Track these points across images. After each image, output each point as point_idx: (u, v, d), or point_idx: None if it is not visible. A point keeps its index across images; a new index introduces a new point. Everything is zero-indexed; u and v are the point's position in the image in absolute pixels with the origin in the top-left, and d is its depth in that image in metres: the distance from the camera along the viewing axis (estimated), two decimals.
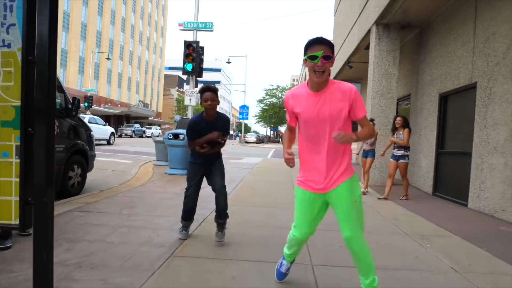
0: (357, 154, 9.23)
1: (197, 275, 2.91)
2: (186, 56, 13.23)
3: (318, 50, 2.26)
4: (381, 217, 5.55)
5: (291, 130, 2.64)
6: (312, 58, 2.27)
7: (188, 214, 3.86)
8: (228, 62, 38.94)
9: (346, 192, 2.37)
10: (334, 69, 16.52)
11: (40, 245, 2.00)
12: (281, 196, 6.82)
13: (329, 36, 34.98)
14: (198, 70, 13.96)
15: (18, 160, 2.00)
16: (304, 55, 2.35)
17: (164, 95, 77.87)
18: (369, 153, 8.04)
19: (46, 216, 2.00)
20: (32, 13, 1.98)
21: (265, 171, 11.60)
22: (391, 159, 7.33)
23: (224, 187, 3.76)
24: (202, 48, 14.74)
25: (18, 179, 2.01)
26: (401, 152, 7.11)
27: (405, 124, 7.18)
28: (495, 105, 6.01)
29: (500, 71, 5.91)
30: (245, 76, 44.34)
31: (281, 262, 2.85)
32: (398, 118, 7.26)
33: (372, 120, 8.21)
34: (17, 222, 2.03)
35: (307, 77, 2.45)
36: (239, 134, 77.80)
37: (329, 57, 2.27)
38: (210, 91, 3.56)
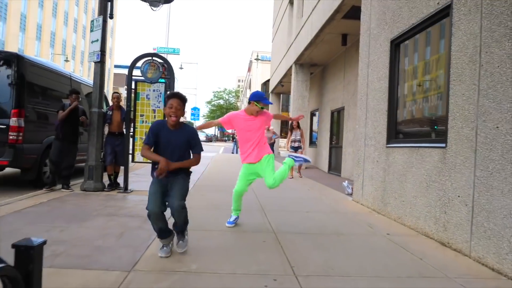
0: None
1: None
2: None
3: (264, 106, 4.29)
4: (299, 183, 10.52)
5: (218, 124, 4.83)
6: (262, 107, 4.29)
7: (160, 233, 3.31)
8: (181, 68, 42.94)
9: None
10: (271, 85, 21.65)
11: None
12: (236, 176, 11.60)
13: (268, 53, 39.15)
14: None
15: None
16: (255, 100, 4.21)
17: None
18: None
19: None
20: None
21: (220, 162, 16.31)
22: (291, 149, 10.58)
23: (182, 206, 3.22)
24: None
25: None
26: (298, 144, 11.42)
27: (298, 126, 10.68)
28: (349, 120, 11.22)
29: (351, 102, 11.12)
30: (196, 81, 48.50)
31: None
32: (294, 122, 10.49)
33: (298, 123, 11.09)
34: None
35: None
36: None
37: (263, 108, 4.31)
38: (176, 98, 3.29)
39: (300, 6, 14.62)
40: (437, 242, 4.10)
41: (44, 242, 1.53)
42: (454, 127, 3.94)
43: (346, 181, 7.83)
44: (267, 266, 3.11)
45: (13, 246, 1.46)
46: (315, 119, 16.38)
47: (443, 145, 4.12)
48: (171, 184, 3.28)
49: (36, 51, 48.30)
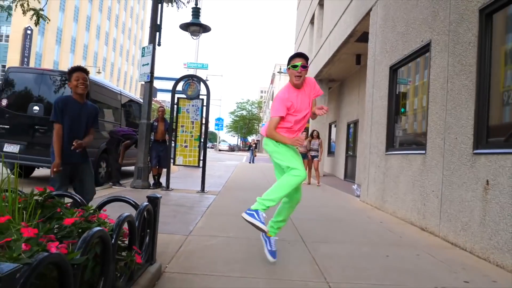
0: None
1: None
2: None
3: (298, 62, 3.19)
4: (315, 188, 11.69)
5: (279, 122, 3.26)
6: (294, 66, 3.19)
7: None
8: (207, 80, 44.75)
9: None
10: None
11: (204, 169, 7.98)
12: (259, 180, 12.82)
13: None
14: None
15: (197, 149, 7.94)
16: (288, 65, 3.26)
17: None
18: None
19: (205, 160, 7.99)
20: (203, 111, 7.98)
21: (244, 169, 17.59)
22: (305, 159, 11.96)
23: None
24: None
25: (197, 154, 7.95)
26: (315, 153, 12.48)
27: (318, 135, 12.10)
28: (363, 131, 12.30)
29: (364, 115, 12.21)
30: (221, 93, 50.23)
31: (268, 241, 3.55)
32: (315, 132, 12.04)
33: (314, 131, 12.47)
34: (196, 165, 7.95)
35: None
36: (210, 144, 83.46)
37: (305, 66, 3.20)
38: (80, 71, 3.41)
39: (320, 26, 15.88)
40: (418, 228, 5.21)
41: (161, 196, 2.81)
42: (430, 138, 5.08)
43: (356, 185, 8.94)
44: (284, 236, 4.32)
45: (148, 197, 2.74)
46: (333, 130, 17.50)
47: (424, 151, 5.25)
48: (81, 171, 3.93)
49: (70, 63, 51.33)
